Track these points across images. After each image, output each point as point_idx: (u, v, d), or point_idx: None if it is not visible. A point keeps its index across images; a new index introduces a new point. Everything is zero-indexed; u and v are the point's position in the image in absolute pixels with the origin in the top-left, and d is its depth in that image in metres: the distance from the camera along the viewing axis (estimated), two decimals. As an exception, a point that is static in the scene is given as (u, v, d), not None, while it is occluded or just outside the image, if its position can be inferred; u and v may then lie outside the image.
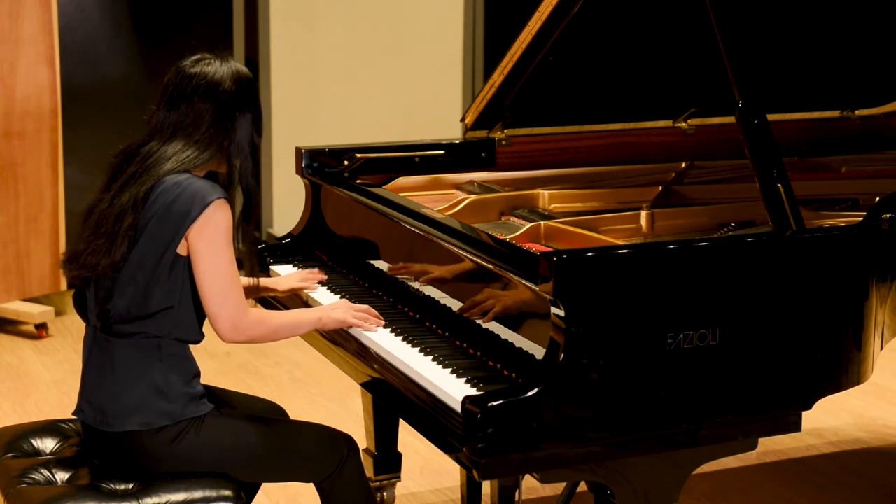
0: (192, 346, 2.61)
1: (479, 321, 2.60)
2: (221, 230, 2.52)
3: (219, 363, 5.04)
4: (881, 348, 2.70)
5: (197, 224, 2.50)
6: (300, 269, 3.15)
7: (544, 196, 3.28)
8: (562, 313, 2.29)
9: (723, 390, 2.42)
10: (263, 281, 3.00)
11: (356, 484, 2.69)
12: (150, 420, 2.53)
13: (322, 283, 3.05)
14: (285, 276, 3.08)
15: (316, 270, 3.07)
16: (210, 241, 2.51)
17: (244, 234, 2.64)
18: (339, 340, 2.82)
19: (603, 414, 2.31)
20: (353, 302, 2.86)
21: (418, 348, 2.61)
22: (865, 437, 4.34)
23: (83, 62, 5.96)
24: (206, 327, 2.62)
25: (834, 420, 4.47)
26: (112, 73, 6.07)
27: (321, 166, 3.32)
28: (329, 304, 2.80)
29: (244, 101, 2.62)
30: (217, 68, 2.62)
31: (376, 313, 2.76)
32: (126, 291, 2.52)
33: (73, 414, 2.67)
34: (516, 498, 2.96)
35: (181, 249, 2.52)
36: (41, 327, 5.39)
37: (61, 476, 2.58)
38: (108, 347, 2.56)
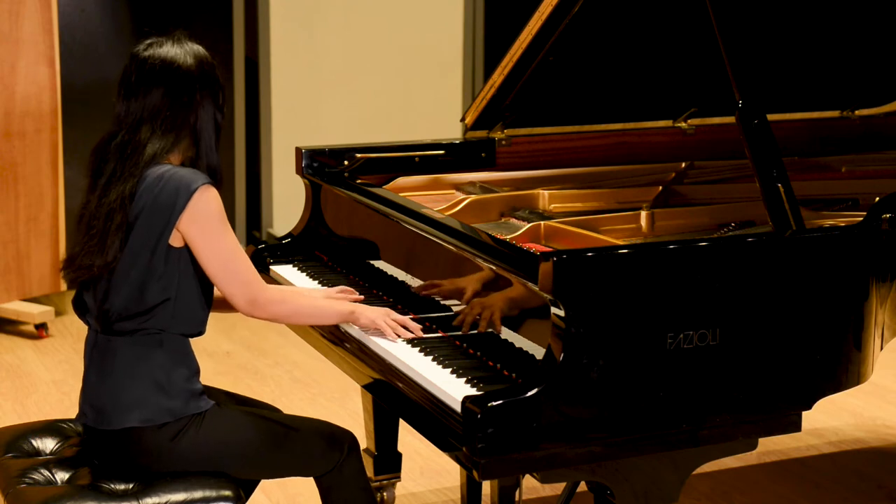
0: (192, 346, 2.61)
1: (481, 324, 2.61)
2: (212, 213, 2.52)
3: (219, 363, 5.04)
4: (881, 348, 2.70)
5: (186, 213, 2.50)
6: (325, 288, 2.98)
7: (544, 196, 3.28)
8: (562, 313, 2.29)
9: (723, 390, 2.42)
10: (295, 290, 2.91)
11: (356, 481, 2.70)
12: (151, 416, 2.53)
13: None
14: (319, 289, 2.97)
15: (342, 288, 2.92)
16: (203, 226, 2.51)
17: None
18: (339, 340, 2.82)
19: (603, 414, 2.31)
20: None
21: (418, 348, 2.61)
22: (865, 437, 4.34)
23: (83, 62, 5.96)
24: (209, 325, 2.62)
25: (834, 420, 4.47)
26: (112, 73, 6.03)
27: (321, 166, 3.32)
28: (370, 306, 2.76)
29: (203, 81, 2.59)
30: (169, 49, 2.60)
31: (415, 326, 2.69)
32: (122, 289, 2.52)
33: (76, 419, 2.67)
34: (516, 498, 2.96)
35: (173, 241, 2.52)
36: (41, 327, 5.39)
37: (61, 476, 2.58)
38: (110, 347, 2.56)
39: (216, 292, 2.64)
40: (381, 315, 2.70)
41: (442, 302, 2.75)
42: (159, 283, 2.52)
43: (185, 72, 2.58)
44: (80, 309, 2.64)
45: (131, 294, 2.52)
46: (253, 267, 2.59)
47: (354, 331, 2.75)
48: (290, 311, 2.65)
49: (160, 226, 2.51)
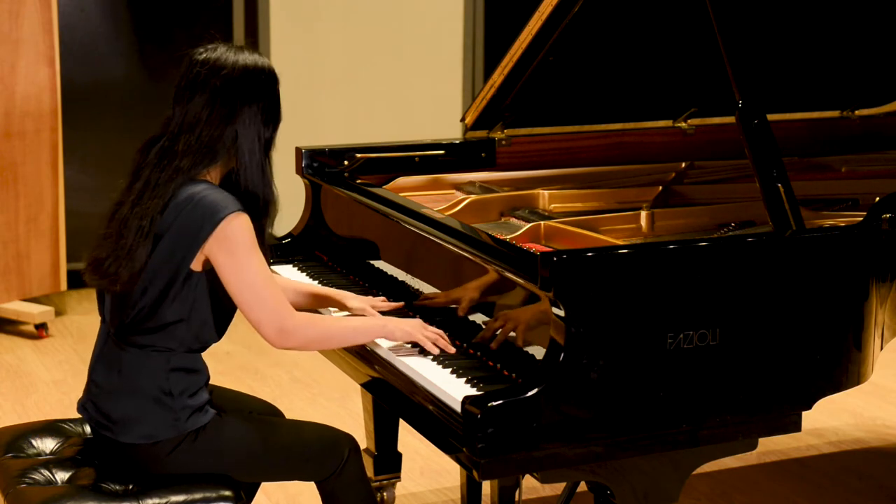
0: (205, 349, 2.59)
1: (480, 322, 2.61)
2: (239, 242, 2.44)
3: (219, 363, 5.04)
4: (881, 348, 2.70)
5: (211, 241, 2.44)
6: (375, 298, 2.91)
7: (544, 196, 3.28)
8: (562, 313, 2.29)
9: (723, 390, 2.42)
10: (327, 291, 2.88)
11: (357, 484, 2.69)
12: (153, 432, 2.51)
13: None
14: (356, 294, 2.89)
15: (384, 299, 2.87)
16: (229, 254, 2.44)
17: (259, 236, 2.51)
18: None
19: (603, 414, 2.31)
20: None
21: (418, 348, 2.61)
22: (865, 437, 4.34)
23: (83, 62, 5.96)
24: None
25: (834, 420, 4.47)
26: (112, 73, 6.07)
27: (321, 166, 3.32)
28: (398, 318, 2.69)
29: (249, 92, 2.49)
30: (221, 55, 2.50)
31: (447, 339, 2.62)
32: (138, 305, 2.49)
33: (77, 409, 2.67)
34: (516, 498, 2.96)
35: (195, 265, 2.47)
36: (41, 327, 5.39)
37: (61, 476, 2.57)
38: (118, 354, 2.55)
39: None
40: (416, 328, 2.61)
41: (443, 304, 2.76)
42: (174, 304, 2.48)
43: (229, 81, 2.48)
44: (101, 301, 2.62)
45: (146, 312, 2.49)
46: (282, 295, 2.51)
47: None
48: (320, 336, 2.55)
49: (183, 249, 2.45)
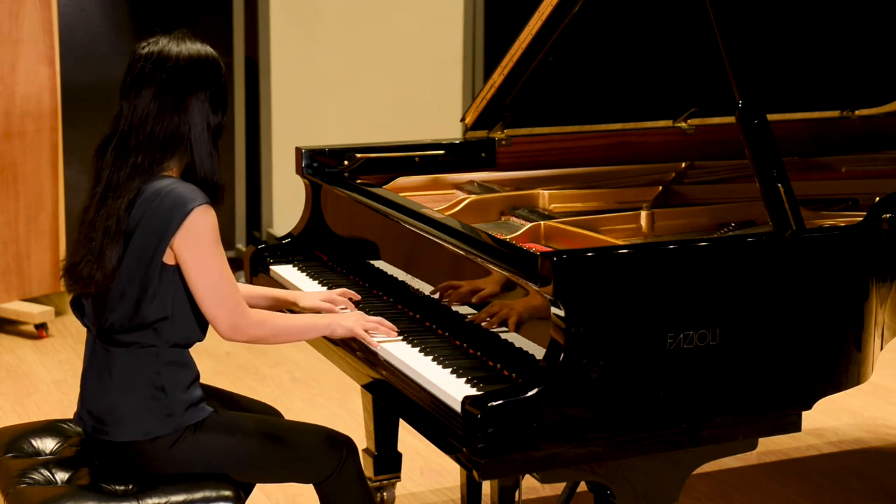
0: (191, 350, 2.60)
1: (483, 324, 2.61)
2: (205, 236, 2.46)
3: (219, 363, 5.04)
4: (881, 348, 2.70)
5: (179, 234, 2.45)
6: (327, 290, 2.99)
7: (544, 196, 3.28)
8: (562, 313, 2.29)
9: (723, 390, 2.42)
10: (282, 293, 2.91)
11: (355, 486, 2.69)
12: (150, 429, 2.51)
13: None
14: (309, 292, 2.94)
15: (344, 290, 2.92)
16: (195, 248, 2.46)
17: None
18: (339, 340, 2.82)
19: (603, 414, 2.31)
20: (355, 303, 2.87)
21: (418, 348, 2.61)
22: (865, 437, 4.34)
23: (83, 62, 5.96)
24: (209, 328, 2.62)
25: (834, 420, 4.47)
26: (112, 73, 6.05)
27: (321, 166, 3.32)
28: (342, 314, 2.76)
29: (195, 81, 2.50)
30: (164, 47, 2.52)
31: (390, 325, 2.69)
32: (117, 306, 2.50)
33: (73, 421, 2.67)
34: (516, 498, 2.96)
35: (167, 259, 2.47)
36: (41, 327, 5.39)
37: (61, 476, 2.57)
38: (107, 356, 2.54)
39: None
40: (356, 324, 2.67)
41: (442, 302, 2.75)
42: (155, 302, 2.48)
43: (174, 72, 2.49)
44: (79, 310, 2.63)
45: (127, 311, 2.49)
46: (239, 292, 2.54)
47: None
48: (269, 333, 2.61)
49: (154, 243, 2.46)
